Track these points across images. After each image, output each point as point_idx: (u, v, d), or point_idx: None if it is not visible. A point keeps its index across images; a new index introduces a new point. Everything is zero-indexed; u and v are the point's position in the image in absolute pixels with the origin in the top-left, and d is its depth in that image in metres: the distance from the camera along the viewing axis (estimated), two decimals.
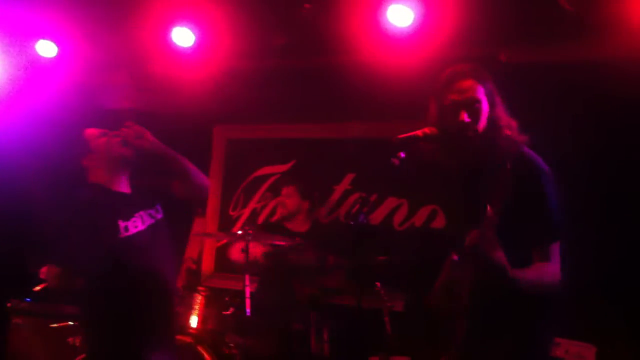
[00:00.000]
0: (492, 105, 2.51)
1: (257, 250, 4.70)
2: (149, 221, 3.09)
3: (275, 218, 5.37)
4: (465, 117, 2.47)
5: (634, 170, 4.21)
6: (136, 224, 3.02)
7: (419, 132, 2.54)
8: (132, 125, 3.05)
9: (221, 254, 5.72)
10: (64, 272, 2.88)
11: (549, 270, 2.39)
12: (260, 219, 5.54)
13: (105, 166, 3.10)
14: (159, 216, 3.15)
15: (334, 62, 5.11)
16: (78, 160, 3.14)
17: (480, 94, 2.49)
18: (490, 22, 4.27)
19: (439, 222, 4.89)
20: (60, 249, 2.91)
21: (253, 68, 5.40)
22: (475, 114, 2.48)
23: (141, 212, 3.08)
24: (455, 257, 2.72)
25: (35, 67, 5.40)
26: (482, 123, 2.50)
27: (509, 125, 2.52)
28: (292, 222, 4.95)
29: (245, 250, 4.23)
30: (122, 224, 2.97)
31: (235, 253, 5.14)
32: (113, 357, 2.95)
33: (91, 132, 3.16)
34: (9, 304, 4.97)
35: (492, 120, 2.50)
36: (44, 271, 4.52)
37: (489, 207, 2.21)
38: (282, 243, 4.43)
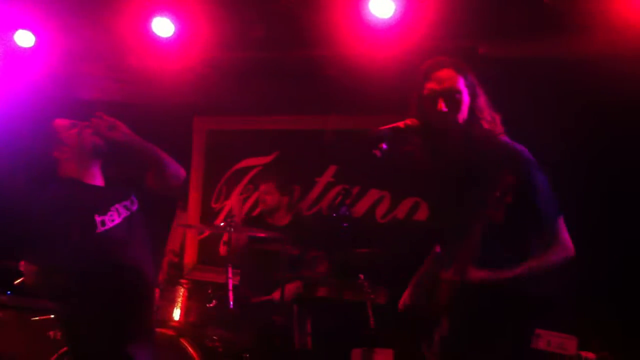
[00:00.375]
0: (473, 96, 2.50)
1: (240, 243, 4.68)
2: (124, 213, 3.04)
3: (256, 212, 5.35)
4: (443, 106, 2.47)
5: (614, 163, 4.24)
6: (112, 218, 2.97)
7: (400, 124, 2.53)
8: (102, 116, 2.99)
9: (204, 246, 5.69)
10: (41, 270, 2.85)
11: (554, 254, 2.40)
12: (243, 212, 5.52)
13: (76, 158, 3.04)
14: (134, 207, 3.10)
15: (314, 54, 5.07)
16: (49, 153, 3.06)
17: (460, 84, 2.48)
18: (471, 15, 4.26)
19: (422, 215, 4.89)
20: (36, 246, 2.87)
21: (233, 59, 5.35)
22: (453, 103, 2.47)
23: (117, 205, 3.02)
24: (438, 250, 2.73)
25: (13, 57, 5.32)
26: (462, 114, 2.49)
27: (492, 118, 2.52)
28: (272, 217, 4.94)
29: (228, 243, 4.23)
30: (98, 218, 2.92)
31: (223, 247, 5.11)
32: (92, 352, 2.91)
33: (61, 122, 3.10)
34: None
35: (474, 112, 2.50)
36: (24, 264, 4.48)
37: (490, 210, 2.22)
38: (263, 235, 4.41)
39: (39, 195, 2.96)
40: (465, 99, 2.49)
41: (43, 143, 3.10)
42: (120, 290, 2.93)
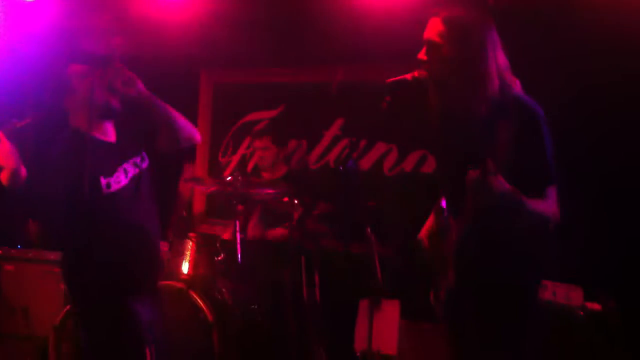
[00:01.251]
0: (463, 48, 2.41)
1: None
2: (132, 172, 3.00)
3: (250, 167, 5.35)
4: (422, 54, 2.47)
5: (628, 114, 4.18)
6: (119, 179, 2.94)
7: (408, 76, 2.50)
8: (121, 69, 2.88)
9: (212, 200, 5.71)
10: (44, 227, 2.86)
11: (546, 206, 2.37)
12: (250, 166, 5.52)
13: (86, 111, 2.90)
14: (144, 165, 3.07)
15: (322, 3, 5.00)
16: (60, 100, 2.99)
17: (442, 34, 2.42)
18: None
19: (429, 167, 4.87)
20: (39, 202, 2.86)
21: (239, 10, 5.28)
22: (431, 53, 2.44)
23: (124, 165, 2.98)
24: (443, 203, 2.72)
25: (17, 10, 5.27)
26: (444, 64, 2.43)
27: (497, 71, 2.45)
28: (268, 171, 4.92)
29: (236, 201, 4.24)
30: (104, 180, 2.89)
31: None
32: (93, 304, 2.93)
33: (75, 69, 2.98)
34: (0, 252, 4.98)
35: (468, 65, 2.41)
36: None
37: (489, 161, 2.19)
38: (270, 191, 4.41)
39: (48, 148, 2.92)
40: (446, 49, 2.41)
41: (54, 90, 3.01)
42: (124, 247, 2.93)
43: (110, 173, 2.92)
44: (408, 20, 3.57)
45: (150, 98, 2.94)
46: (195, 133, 3.13)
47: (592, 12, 4.20)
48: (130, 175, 3.00)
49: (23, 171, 2.85)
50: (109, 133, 3.04)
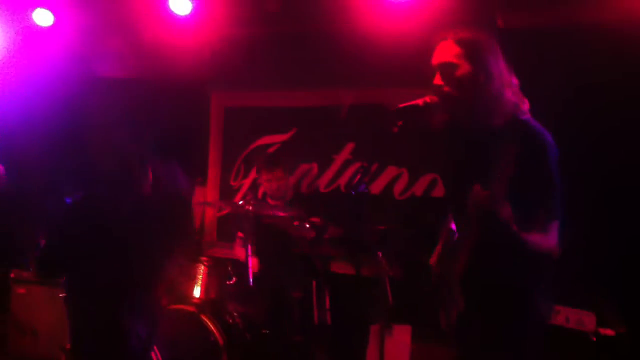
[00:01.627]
0: (480, 69, 2.42)
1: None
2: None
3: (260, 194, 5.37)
4: (438, 79, 2.45)
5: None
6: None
7: (419, 101, 2.51)
8: None
9: (223, 224, 5.72)
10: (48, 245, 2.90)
11: (546, 241, 2.36)
12: (261, 190, 5.53)
13: None
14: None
15: (330, 28, 5.05)
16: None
17: (461, 58, 2.42)
18: None
19: (440, 191, 4.87)
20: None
21: (249, 35, 5.34)
22: (448, 76, 2.43)
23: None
24: (452, 225, 2.72)
25: (32, 36, 5.35)
26: (462, 87, 2.42)
27: (515, 96, 2.47)
28: (281, 200, 4.90)
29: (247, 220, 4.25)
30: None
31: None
32: (88, 324, 2.99)
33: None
34: (12, 274, 5.00)
35: (481, 86, 2.42)
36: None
37: (496, 180, 2.19)
38: (282, 214, 4.42)
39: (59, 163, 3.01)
40: (465, 71, 2.42)
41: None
42: (120, 267, 2.98)
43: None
44: (418, 45, 3.59)
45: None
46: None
47: (598, 31, 4.23)
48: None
49: (0, 169, 2.93)
50: None
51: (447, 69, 2.44)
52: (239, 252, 4.72)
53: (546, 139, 2.40)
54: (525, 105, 2.49)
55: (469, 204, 2.29)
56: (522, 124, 2.42)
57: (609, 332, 3.67)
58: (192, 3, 4.84)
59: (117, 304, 2.98)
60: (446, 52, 2.45)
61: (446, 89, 2.45)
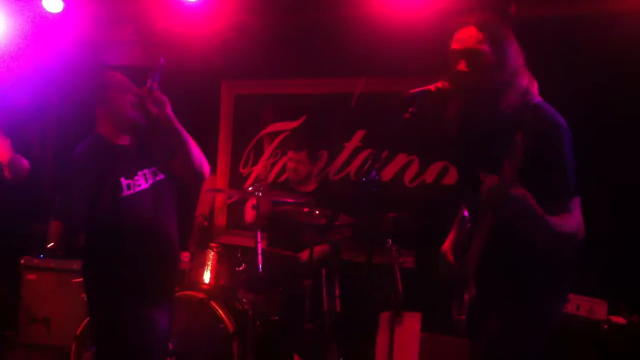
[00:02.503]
0: (500, 54, 2.41)
1: (266, 208, 4.69)
2: (151, 180, 3.06)
3: (282, 179, 5.36)
4: (463, 66, 2.41)
5: None
6: (139, 182, 2.99)
7: (431, 87, 2.48)
8: (154, 90, 2.93)
9: (232, 210, 5.73)
10: (66, 228, 2.88)
11: (571, 221, 2.32)
12: (271, 177, 5.53)
13: (114, 121, 3.05)
14: (162, 176, 3.12)
15: (342, 15, 5.02)
16: (92, 105, 3.08)
17: (483, 43, 2.39)
18: None
19: (451, 179, 4.85)
20: (61, 202, 2.89)
21: (259, 22, 5.32)
22: (474, 62, 2.39)
23: (145, 170, 3.04)
24: (466, 213, 2.70)
25: (42, 23, 5.34)
26: (489, 73, 2.40)
27: (528, 80, 2.45)
28: (300, 185, 4.93)
29: (257, 207, 4.25)
30: (124, 181, 2.94)
31: (249, 213, 5.10)
32: (111, 312, 2.96)
33: (115, 80, 3.08)
34: (22, 261, 5.03)
35: (504, 72, 2.41)
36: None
37: (506, 165, 2.17)
38: (291, 200, 4.42)
39: (69, 152, 2.98)
40: (489, 57, 2.40)
41: (91, 94, 3.09)
42: (143, 254, 2.96)
43: (130, 175, 2.98)
44: (430, 33, 3.57)
45: (174, 123, 2.99)
46: (206, 168, 3.17)
47: (609, 22, 4.19)
48: (150, 181, 3.05)
49: (25, 163, 2.93)
50: (129, 142, 3.12)
51: (472, 54, 2.40)
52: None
53: (558, 120, 2.38)
54: (535, 88, 2.47)
55: (481, 192, 2.27)
56: (535, 107, 2.40)
57: (621, 320, 3.65)
58: None
59: (143, 294, 2.96)
60: (470, 38, 2.41)
61: (474, 75, 2.41)
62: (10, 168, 2.94)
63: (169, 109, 2.96)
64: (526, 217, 2.22)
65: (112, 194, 2.90)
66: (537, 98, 2.46)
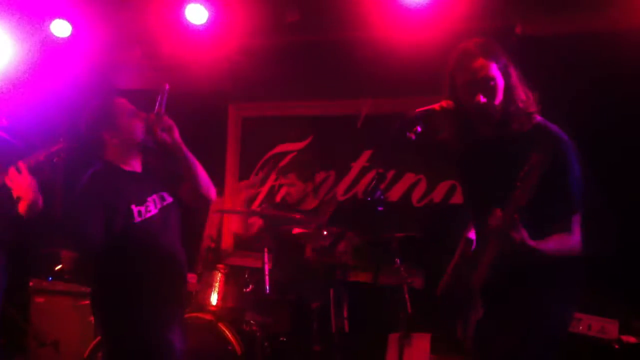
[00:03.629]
0: (506, 77, 2.48)
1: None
2: (160, 204, 3.07)
3: (284, 201, 5.38)
4: (481, 98, 2.45)
5: None
6: (149, 209, 3.01)
7: (435, 106, 2.52)
8: (162, 115, 2.96)
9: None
10: (79, 257, 2.89)
11: (569, 241, 2.38)
12: (278, 197, 5.53)
13: (123, 146, 3.06)
14: (170, 200, 3.13)
15: (348, 37, 5.05)
16: (97, 131, 3.07)
17: (493, 70, 2.45)
18: None
19: (458, 198, 4.84)
20: (74, 232, 2.91)
21: (266, 45, 5.36)
22: (490, 92, 2.45)
23: (154, 196, 3.05)
24: (471, 234, 2.70)
25: (50, 48, 5.39)
26: (499, 98, 2.47)
27: (527, 96, 2.49)
28: (299, 205, 4.94)
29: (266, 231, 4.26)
30: (135, 208, 2.96)
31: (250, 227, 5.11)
32: (125, 337, 2.95)
33: (121, 106, 3.09)
34: (30, 283, 5.03)
35: (508, 92, 2.47)
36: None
37: (517, 191, 2.19)
38: (297, 216, 4.42)
39: (79, 178, 2.99)
40: (500, 83, 2.46)
41: (93, 121, 3.09)
42: (153, 278, 2.97)
43: (141, 202, 2.99)
44: (435, 54, 3.58)
45: (182, 148, 3.01)
46: (213, 192, 3.17)
47: (615, 40, 4.19)
48: (158, 206, 3.06)
49: (40, 202, 2.95)
50: (136, 168, 3.13)
51: (486, 85, 2.45)
52: None
53: (563, 137, 2.42)
54: (537, 106, 2.51)
55: (489, 224, 2.31)
56: (539, 128, 2.44)
57: (632, 339, 3.62)
58: (209, 13, 4.86)
59: (156, 317, 2.96)
60: (481, 69, 2.45)
61: (490, 103, 2.45)
62: (28, 208, 2.96)
63: (177, 134, 2.98)
64: (525, 252, 2.29)
65: (124, 221, 2.92)
66: (536, 113, 2.50)
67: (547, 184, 2.26)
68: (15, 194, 2.90)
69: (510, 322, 2.42)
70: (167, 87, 2.99)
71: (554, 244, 2.35)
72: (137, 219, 2.95)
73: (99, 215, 2.86)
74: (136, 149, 3.09)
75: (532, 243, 2.28)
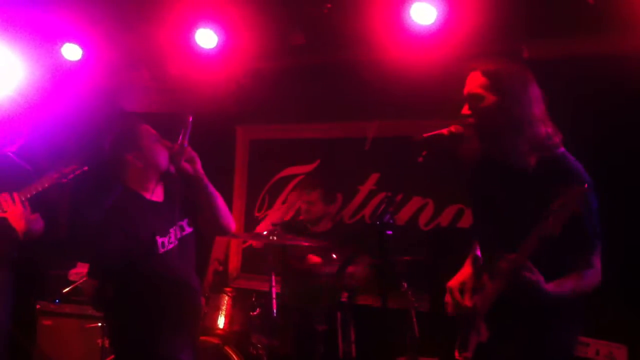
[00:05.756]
0: (506, 101, 2.43)
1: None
2: (180, 234, 3.08)
3: (299, 219, 5.37)
4: (465, 109, 2.48)
5: None
6: (172, 240, 3.03)
7: (444, 131, 2.51)
8: (185, 146, 2.96)
9: (247, 255, 5.73)
10: (101, 285, 2.91)
11: (589, 277, 2.36)
12: (287, 217, 5.52)
13: (145, 170, 3.05)
14: (189, 230, 3.14)
15: (355, 60, 5.08)
16: (123, 152, 3.06)
17: (485, 88, 2.44)
18: (512, 17, 4.21)
19: (466, 222, 4.83)
20: (96, 260, 2.92)
21: (274, 68, 5.40)
22: (474, 106, 2.46)
23: (175, 226, 3.05)
24: (478, 252, 2.69)
25: (61, 71, 5.44)
26: (487, 117, 2.44)
27: (546, 128, 2.45)
28: (315, 225, 4.93)
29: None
30: (159, 239, 2.97)
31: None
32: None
33: (147, 131, 3.10)
34: (38, 306, 5.03)
35: (507, 116, 2.42)
36: (73, 272, 4.55)
37: (547, 222, 2.19)
38: (306, 244, 4.42)
39: (101, 203, 2.99)
40: (489, 101, 2.44)
41: (120, 141, 3.08)
42: (171, 306, 2.98)
43: (164, 233, 3.00)
44: (442, 76, 3.61)
45: (204, 179, 3.02)
46: (231, 223, 3.19)
47: (622, 63, 4.20)
48: (179, 236, 3.07)
49: (39, 226, 2.94)
50: (157, 195, 3.12)
51: (473, 99, 2.47)
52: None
53: (583, 175, 2.39)
54: (558, 137, 2.47)
55: (501, 264, 2.31)
56: (557, 163, 2.41)
57: None
58: (218, 37, 4.90)
59: (174, 342, 2.97)
60: (473, 82, 2.48)
61: (471, 119, 2.46)
62: (23, 236, 2.98)
63: (199, 165, 2.99)
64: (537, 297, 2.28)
65: (146, 251, 2.93)
66: (560, 147, 2.46)
67: (569, 229, 2.24)
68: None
69: (514, 348, 2.40)
70: (190, 118, 3.00)
71: (572, 283, 2.32)
72: (161, 250, 2.97)
73: (119, 239, 2.87)
74: (157, 176, 3.08)
75: (548, 288, 2.26)
